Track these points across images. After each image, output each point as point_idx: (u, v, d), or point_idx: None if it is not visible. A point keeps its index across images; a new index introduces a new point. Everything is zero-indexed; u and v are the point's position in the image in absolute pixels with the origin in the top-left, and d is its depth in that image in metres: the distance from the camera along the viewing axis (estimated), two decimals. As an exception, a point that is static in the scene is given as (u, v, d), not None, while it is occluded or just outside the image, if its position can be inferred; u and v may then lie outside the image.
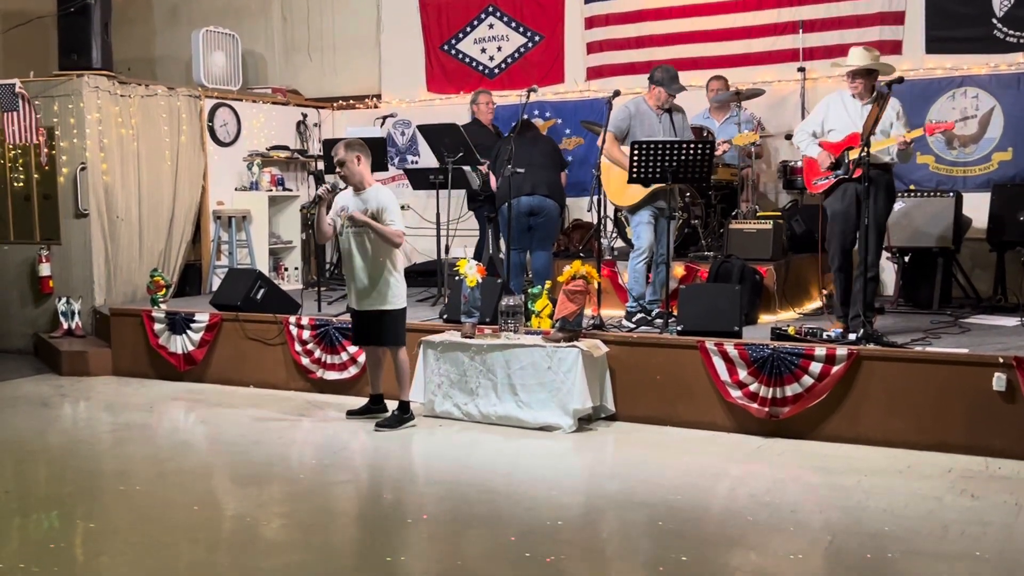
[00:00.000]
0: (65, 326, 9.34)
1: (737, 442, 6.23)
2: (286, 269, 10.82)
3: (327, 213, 6.57)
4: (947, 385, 5.89)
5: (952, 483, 5.30)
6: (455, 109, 10.68)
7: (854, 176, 6.45)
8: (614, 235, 8.90)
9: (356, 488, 5.43)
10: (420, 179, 8.86)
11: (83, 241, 9.43)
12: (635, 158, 6.91)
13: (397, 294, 6.54)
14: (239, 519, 4.89)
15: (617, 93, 7.60)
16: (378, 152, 8.03)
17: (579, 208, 9.89)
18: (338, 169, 6.48)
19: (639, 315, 7.34)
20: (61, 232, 9.55)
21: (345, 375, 7.66)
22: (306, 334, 7.80)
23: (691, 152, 6.88)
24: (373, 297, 6.51)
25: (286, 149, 11.09)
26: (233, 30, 11.16)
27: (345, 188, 6.64)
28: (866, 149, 6.30)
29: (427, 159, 10.50)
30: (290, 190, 11.08)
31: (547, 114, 10.20)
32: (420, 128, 8.82)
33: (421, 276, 9.71)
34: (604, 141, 7.28)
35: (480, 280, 6.87)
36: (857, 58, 6.52)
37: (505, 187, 7.79)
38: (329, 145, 8.89)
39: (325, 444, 6.33)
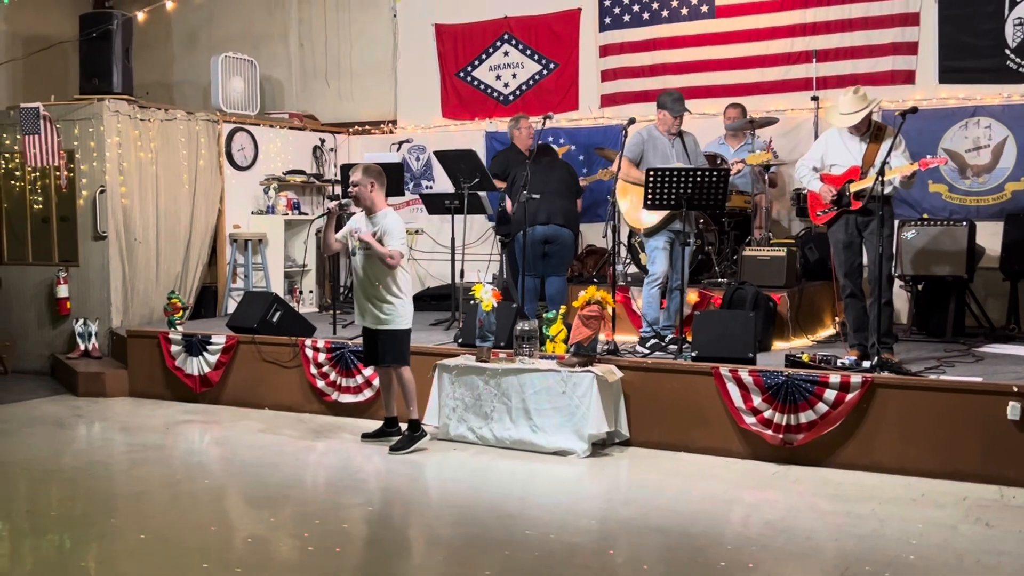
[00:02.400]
0: (82, 347, 9.34)
1: (751, 469, 6.20)
2: (301, 292, 10.84)
3: (335, 229, 6.65)
4: (961, 414, 5.85)
5: (967, 512, 5.26)
6: (470, 135, 10.80)
7: (853, 208, 6.57)
8: (628, 261, 8.90)
9: (370, 511, 5.40)
10: (436, 204, 8.89)
11: (101, 263, 9.44)
12: (650, 185, 6.95)
13: (401, 315, 6.55)
14: (253, 541, 4.87)
15: (632, 121, 7.62)
16: (395, 177, 8.07)
17: (594, 234, 9.90)
18: (351, 189, 6.55)
19: (653, 340, 7.33)
20: (79, 254, 9.57)
21: (360, 398, 7.65)
22: (321, 357, 7.79)
23: (706, 179, 6.90)
24: (377, 316, 6.54)
25: (302, 173, 11.14)
26: (251, 56, 11.21)
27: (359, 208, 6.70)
28: (880, 178, 6.34)
29: (442, 184, 10.56)
30: (306, 214, 11.11)
31: (561, 140, 10.18)
32: (437, 154, 8.85)
33: (435, 300, 9.72)
34: (619, 167, 7.32)
35: (495, 305, 6.88)
36: (849, 107, 6.60)
37: (520, 213, 7.81)
38: (347, 170, 8.97)
39: (340, 467, 6.32)
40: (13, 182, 10.01)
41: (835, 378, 6.09)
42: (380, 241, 6.44)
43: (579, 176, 8.65)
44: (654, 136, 7.38)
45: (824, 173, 6.83)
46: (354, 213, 6.68)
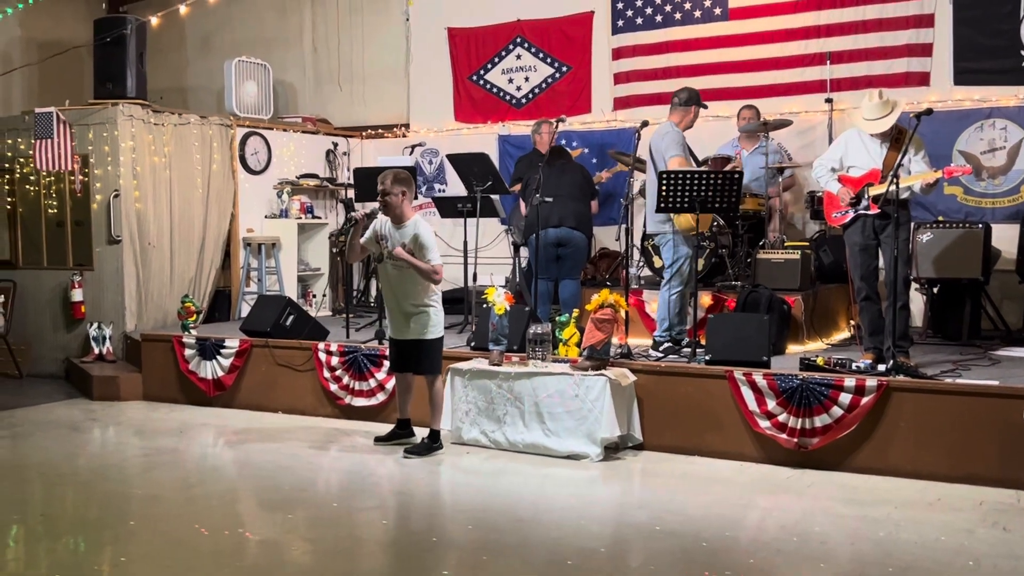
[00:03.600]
0: (96, 351, 9.36)
1: (766, 473, 6.18)
2: (314, 296, 10.85)
3: (362, 235, 6.63)
4: (977, 417, 5.80)
5: (983, 516, 5.22)
6: (482, 138, 10.79)
7: (871, 211, 6.55)
8: (641, 264, 8.89)
9: (383, 515, 5.39)
10: (448, 208, 8.90)
11: (115, 267, 9.48)
12: (664, 187, 6.94)
13: (436, 323, 6.56)
14: (266, 544, 4.87)
15: (646, 124, 7.65)
16: (415, 182, 8.00)
17: (607, 237, 9.90)
18: (381, 198, 6.51)
19: (667, 344, 7.32)
20: (94, 258, 9.61)
21: (373, 402, 7.65)
22: (334, 360, 7.80)
23: (720, 181, 6.90)
24: (412, 327, 6.54)
25: (315, 177, 11.15)
26: (264, 60, 11.25)
27: (383, 214, 6.69)
28: (895, 180, 6.31)
29: (454, 188, 10.57)
30: (319, 218, 11.11)
31: (574, 143, 10.15)
32: (450, 157, 8.86)
33: (448, 304, 9.38)
34: (676, 164, 7.25)
35: (508, 308, 6.87)
36: (874, 113, 6.58)
37: (533, 216, 7.81)
38: (361, 175, 9.13)
39: (353, 470, 6.32)
40: (28, 187, 10.07)
41: (850, 381, 6.06)
42: (413, 253, 6.43)
43: (595, 173, 8.61)
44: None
45: (842, 175, 6.81)
46: (376, 218, 6.70)
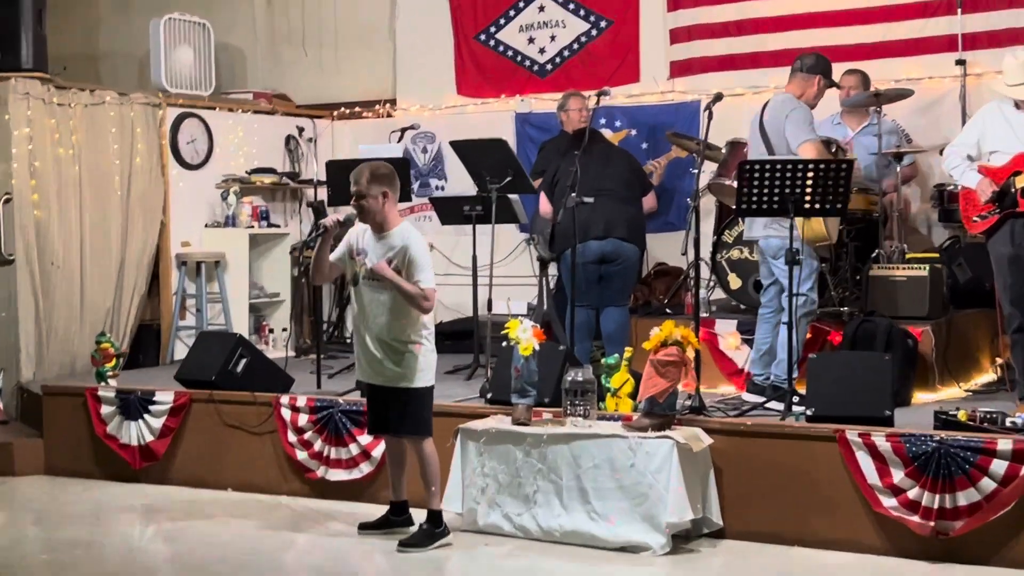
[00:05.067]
0: (-20, 410, 9.35)
1: (893, 569, 6.09)
2: (271, 331, 10.82)
3: (328, 249, 6.67)
4: None
5: None
6: (494, 118, 10.82)
7: (1021, 210, 6.62)
8: (712, 284, 8.86)
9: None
10: (451, 211, 8.93)
11: (6, 295, 9.45)
12: (745, 182, 6.98)
13: (424, 367, 6.54)
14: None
15: (719, 97, 7.67)
16: (401, 178, 7.96)
17: (662, 247, 9.85)
18: (355, 201, 6.52)
19: (770, 392, 7.44)
20: (-24, 284, 9.68)
21: (355, 475, 7.62)
22: (303, 419, 7.79)
23: (823, 173, 6.91)
24: (391, 370, 6.52)
25: (272, 172, 11.11)
26: (204, 18, 11.21)
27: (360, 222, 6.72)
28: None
29: (455, 184, 10.69)
30: (277, 226, 11.08)
31: (617, 123, 10.22)
32: (454, 145, 8.87)
33: (451, 339, 9.68)
34: (813, 152, 7.34)
35: (536, 347, 6.81)
36: (1019, 76, 6.62)
37: (568, 223, 7.80)
38: (335, 169, 9.10)
39: (330, 569, 6.24)
40: None
41: (1005, 444, 5.95)
42: (399, 272, 6.43)
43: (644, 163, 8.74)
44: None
45: (981, 164, 6.79)
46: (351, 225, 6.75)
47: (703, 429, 6.72)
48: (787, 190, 6.87)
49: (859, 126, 9.03)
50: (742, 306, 8.83)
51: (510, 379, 6.90)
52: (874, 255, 8.47)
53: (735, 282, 8.70)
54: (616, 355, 7.37)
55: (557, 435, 6.66)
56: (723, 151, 8.59)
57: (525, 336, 6.80)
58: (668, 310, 9.05)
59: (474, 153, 8.58)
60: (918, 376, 7.72)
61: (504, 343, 7.04)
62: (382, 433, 6.83)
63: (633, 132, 10.01)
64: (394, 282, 6.38)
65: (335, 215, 6.67)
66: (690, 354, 6.72)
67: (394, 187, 6.56)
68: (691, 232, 7.84)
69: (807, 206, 6.94)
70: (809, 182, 6.87)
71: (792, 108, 7.39)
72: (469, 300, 8.84)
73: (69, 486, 8.34)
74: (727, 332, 8.42)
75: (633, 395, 7.03)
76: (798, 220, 7.05)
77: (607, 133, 10.12)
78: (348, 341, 10.26)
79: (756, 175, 6.94)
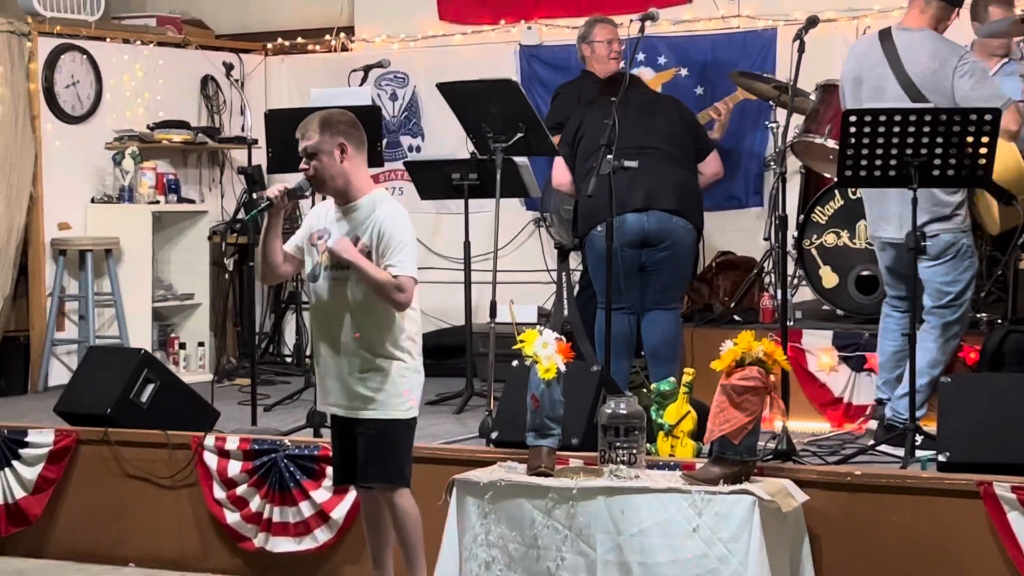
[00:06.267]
0: None
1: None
2: (183, 346, 10.67)
3: (279, 233, 6.50)
4: None
5: None
6: (490, 52, 10.88)
7: None
8: (798, 282, 8.78)
9: None
10: (433, 181, 8.85)
11: None
12: (852, 140, 6.83)
13: (405, 392, 6.33)
14: None
15: (813, 22, 7.55)
16: (372, 132, 7.81)
17: (725, 230, 9.79)
18: (305, 163, 6.32)
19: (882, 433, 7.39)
20: None
21: (307, 544, 7.39)
22: (234, 468, 7.63)
23: (962, 127, 6.74)
24: (361, 393, 6.31)
25: (185, 128, 10.93)
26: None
27: (316, 194, 6.72)
28: None
29: (438, 144, 10.68)
30: (191, 201, 10.98)
31: (661, 60, 10.16)
32: (445, 89, 8.60)
33: (432, 358, 9.52)
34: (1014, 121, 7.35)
35: (563, 368, 6.55)
36: None
37: (603, 197, 7.56)
38: (275, 122, 8.98)
39: None
40: None
41: None
42: (371, 256, 6.24)
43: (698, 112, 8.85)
44: None
45: None
46: (306, 198, 6.81)
47: (794, 481, 6.55)
48: (907, 151, 6.76)
49: (995, 65, 8.79)
50: (839, 311, 8.75)
51: (523, 412, 6.67)
52: (1021, 240, 8.36)
53: (830, 278, 8.50)
54: (670, 378, 7.24)
55: (591, 489, 6.41)
56: (812, 98, 8.46)
57: (546, 353, 6.52)
58: (736, 316, 8.97)
59: (472, 99, 8.33)
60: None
61: (514, 362, 6.90)
62: (349, 483, 6.72)
63: (683, 72, 9.99)
64: (358, 266, 6.22)
65: (282, 185, 6.52)
66: (775, 378, 6.53)
67: (356, 139, 6.39)
68: (773, 209, 7.80)
69: (936, 172, 6.82)
70: (940, 139, 6.76)
71: (962, 57, 7.32)
72: (456, 303, 8.93)
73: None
74: (820, 347, 8.31)
75: (696, 434, 6.91)
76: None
77: (647, 75, 10.07)
78: (289, 360, 10.63)
79: (868, 129, 6.76)
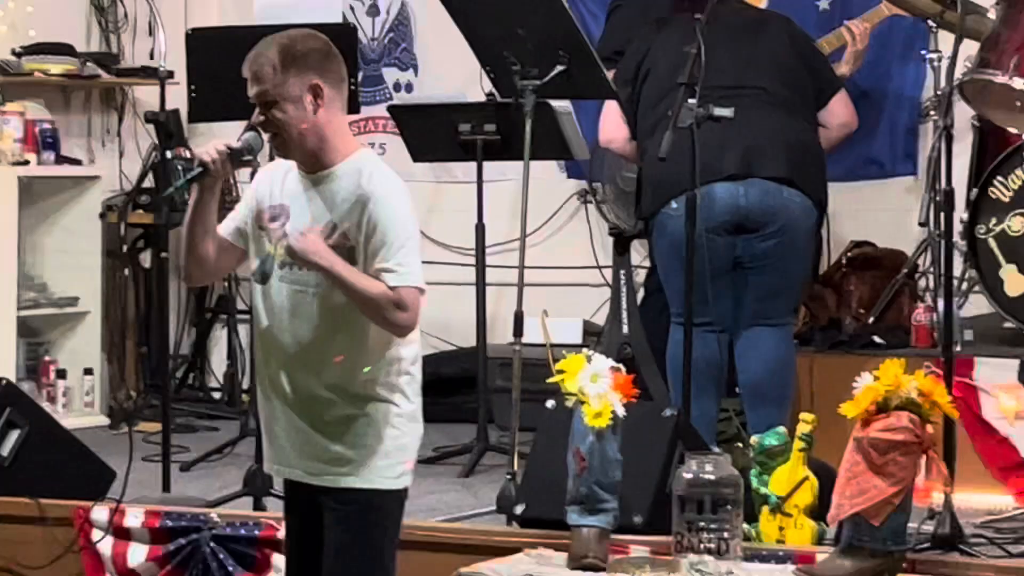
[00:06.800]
0: None
1: None
2: (62, 375, 10.23)
3: (214, 211, 5.86)
4: None
5: None
6: None
7: None
8: (971, 285, 8.39)
9: None
10: (431, 133, 8.66)
11: None
12: None
13: (394, 451, 5.64)
14: None
15: None
16: (348, 63, 7.16)
17: (860, 210, 9.35)
18: (260, 111, 5.59)
19: None
20: None
21: None
22: (138, 553, 7.26)
23: None
24: (331, 451, 5.67)
25: (67, 54, 10.58)
26: None
27: (266, 155, 6.05)
28: None
29: (436, 82, 10.56)
30: (76, 162, 10.67)
31: None
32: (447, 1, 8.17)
33: (430, 394, 9.22)
34: None
35: (620, 413, 6.09)
36: None
37: (681, 159, 7.00)
38: (200, 46, 8.61)
39: None
40: None
41: None
42: (355, 252, 5.53)
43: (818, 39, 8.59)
44: None
45: None
46: (257, 165, 6.21)
47: (962, 583, 6.20)
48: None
49: None
50: (1028, 331, 8.55)
51: (562, 476, 6.28)
52: None
53: (1015, 283, 7.75)
54: (779, 428, 6.74)
55: (663, 590, 6.15)
56: (991, 16, 7.75)
57: (597, 390, 6.14)
58: (877, 338, 8.36)
59: (489, 12, 7.81)
60: None
61: (549, 402, 6.56)
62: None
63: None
64: (334, 274, 5.42)
65: (219, 142, 5.74)
66: (934, 430, 6.21)
67: (334, 76, 5.68)
68: (933, 180, 7.05)
69: None
70: None
71: None
72: (463, 315, 8.91)
73: None
74: (1000, 385, 7.67)
75: (818, 511, 6.40)
76: None
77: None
78: (217, 395, 10.47)
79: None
